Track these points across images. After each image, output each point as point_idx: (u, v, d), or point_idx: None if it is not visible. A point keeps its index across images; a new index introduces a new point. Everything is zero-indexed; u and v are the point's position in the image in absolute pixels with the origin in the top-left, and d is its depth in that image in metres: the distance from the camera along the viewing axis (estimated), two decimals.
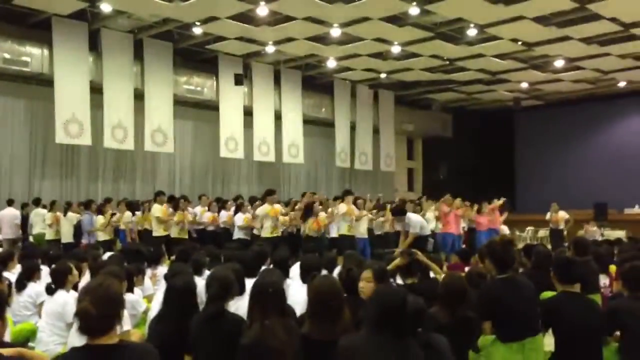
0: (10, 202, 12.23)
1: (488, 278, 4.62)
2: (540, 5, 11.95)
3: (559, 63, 16.01)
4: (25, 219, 12.38)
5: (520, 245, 8.46)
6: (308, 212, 11.41)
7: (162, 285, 5.38)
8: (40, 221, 11.93)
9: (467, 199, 14.35)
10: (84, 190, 14.26)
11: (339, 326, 3.40)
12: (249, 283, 4.22)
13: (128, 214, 12.11)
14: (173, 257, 7.61)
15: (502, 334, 4.05)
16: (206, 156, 16.39)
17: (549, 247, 10.77)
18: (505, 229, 14.42)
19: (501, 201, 14.13)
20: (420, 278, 5.48)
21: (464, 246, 12.46)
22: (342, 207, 11.25)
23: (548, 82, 18.32)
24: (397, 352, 3.02)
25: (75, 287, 5.15)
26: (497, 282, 4.26)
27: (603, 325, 4.16)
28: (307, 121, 17.55)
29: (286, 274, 5.57)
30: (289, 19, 12.72)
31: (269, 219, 11.08)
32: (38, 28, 13.01)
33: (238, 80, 15.16)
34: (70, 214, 11.91)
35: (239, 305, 4.17)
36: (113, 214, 11.53)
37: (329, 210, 11.78)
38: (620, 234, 14.11)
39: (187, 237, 11.41)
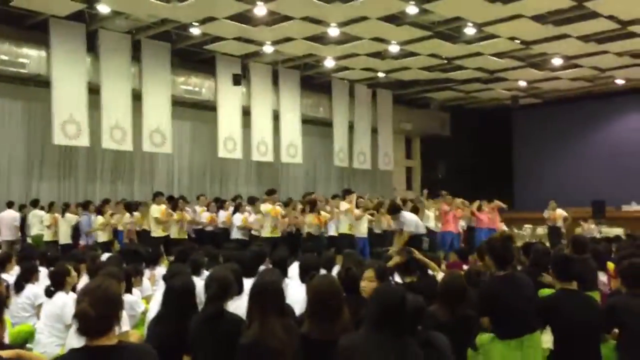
0: (9, 204, 12.21)
1: (488, 275, 4.62)
2: (537, 3, 11.96)
3: (557, 61, 16.02)
4: (23, 221, 12.36)
5: (519, 244, 8.46)
6: (312, 207, 11.49)
7: (161, 286, 5.39)
8: (38, 222, 11.91)
9: (466, 197, 14.36)
10: (82, 192, 14.24)
11: (338, 325, 3.41)
12: (248, 283, 4.22)
13: (126, 214, 12.10)
14: (172, 258, 7.61)
15: (501, 331, 4.06)
16: (204, 156, 16.37)
17: (548, 245, 10.79)
18: (503, 227, 14.41)
19: (500, 204, 14.16)
20: (419, 276, 5.49)
21: (462, 245, 12.48)
22: (344, 205, 11.25)
23: (546, 80, 18.33)
24: (396, 350, 3.02)
25: (74, 289, 5.15)
26: (496, 279, 4.27)
27: (601, 323, 4.17)
28: (305, 121, 17.54)
29: (285, 274, 5.57)
30: (286, 18, 12.71)
31: (269, 218, 11.12)
32: (36, 29, 12.99)
33: (236, 81, 15.16)
34: (68, 215, 11.90)
35: (238, 305, 4.17)
36: (112, 215, 11.53)
37: (330, 206, 11.78)
38: (618, 231, 14.14)
39: (186, 237, 11.40)
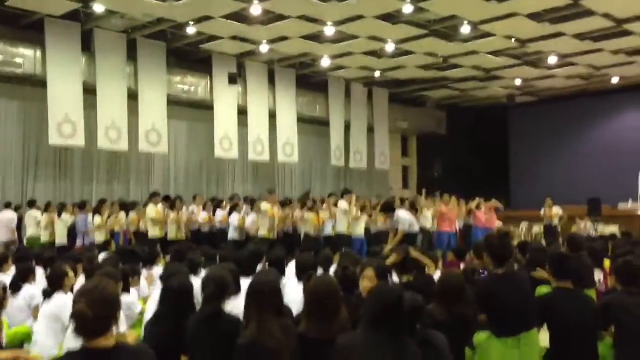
0: (7, 205, 12.18)
1: (487, 273, 4.63)
2: (533, 2, 11.98)
3: (553, 59, 16.04)
4: (19, 222, 12.33)
5: (515, 242, 8.48)
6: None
7: (158, 286, 5.38)
8: (34, 223, 11.88)
9: (462, 195, 14.38)
10: (78, 192, 14.19)
11: (336, 325, 3.41)
12: (245, 283, 4.22)
13: (122, 214, 12.08)
14: (168, 258, 7.61)
15: (498, 329, 4.06)
16: (201, 156, 16.35)
17: (544, 243, 10.82)
18: (500, 226, 14.45)
19: (498, 204, 14.19)
20: (416, 275, 5.49)
21: (459, 244, 12.50)
22: (343, 204, 11.25)
23: (542, 78, 18.35)
24: (394, 350, 3.03)
25: (72, 289, 5.13)
26: (493, 277, 4.27)
27: (598, 321, 4.18)
28: (301, 120, 17.52)
29: (282, 274, 5.57)
30: (282, 17, 12.69)
31: (267, 218, 11.15)
32: (31, 29, 12.94)
33: (232, 80, 15.13)
34: (64, 215, 11.87)
35: (235, 305, 4.16)
36: (109, 216, 11.54)
37: (327, 205, 11.78)
38: (614, 229, 14.17)
39: (184, 238, 11.39)
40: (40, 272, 6.30)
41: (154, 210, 11.32)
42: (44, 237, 11.62)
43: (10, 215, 12.01)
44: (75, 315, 2.49)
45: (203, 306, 3.87)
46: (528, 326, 4.09)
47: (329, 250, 7.53)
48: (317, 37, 14.08)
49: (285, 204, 12.63)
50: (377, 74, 17.49)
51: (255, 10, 11.97)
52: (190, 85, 15.43)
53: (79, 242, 11.94)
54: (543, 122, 21.62)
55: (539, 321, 4.19)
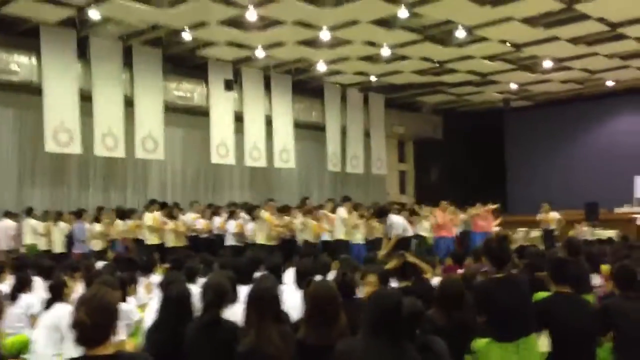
0: (7, 214, 12.15)
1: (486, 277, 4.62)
2: (527, 6, 12.01)
3: (548, 64, 16.08)
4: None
5: (513, 247, 8.49)
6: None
7: (156, 294, 5.37)
8: (32, 231, 11.85)
9: (459, 200, 14.38)
10: (74, 199, 14.13)
11: (335, 331, 3.41)
12: (243, 290, 4.21)
13: (119, 222, 12.06)
14: (167, 265, 7.59)
15: (497, 333, 4.05)
16: (197, 162, 16.32)
17: (542, 248, 10.82)
18: (498, 230, 14.46)
19: (495, 206, 14.21)
20: (414, 281, 5.49)
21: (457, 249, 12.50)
22: (342, 212, 11.22)
23: (537, 82, 18.40)
24: (393, 355, 3.03)
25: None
26: (492, 281, 4.26)
27: (596, 326, 4.17)
28: (298, 125, 17.52)
29: (280, 280, 5.56)
30: (278, 23, 12.71)
31: (265, 225, 11.17)
32: (26, 36, 12.91)
33: (228, 86, 15.13)
34: (61, 223, 11.85)
35: (233, 312, 4.16)
36: (108, 224, 11.56)
37: (325, 213, 11.77)
38: (611, 233, 14.18)
39: (182, 245, 11.38)
40: (38, 281, 6.27)
41: (151, 217, 11.31)
42: (42, 245, 11.60)
43: (10, 224, 11.99)
44: (75, 324, 2.49)
45: (202, 313, 3.87)
46: (527, 331, 4.09)
47: (327, 256, 7.52)
48: (312, 43, 14.09)
49: (282, 209, 12.63)
50: (373, 78, 17.51)
51: (251, 15, 11.98)
52: (186, 91, 15.42)
53: (76, 250, 11.89)
54: (539, 126, 21.65)
55: (538, 326, 4.18)
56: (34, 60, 12.78)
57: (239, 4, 11.62)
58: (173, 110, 15.25)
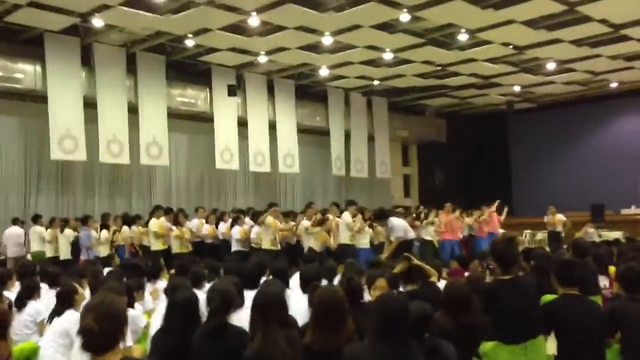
0: (14, 221, 12.19)
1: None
2: (529, 9, 12.01)
3: (551, 65, 16.09)
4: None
5: (520, 249, 8.46)
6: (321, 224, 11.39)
7: (163, 300, 5.37)
8: (38, 239, 11.88)
9: (464, 203, 14.36)
10: (80, 206, 14.18)
11: (342, 336, 3.41)
12: (249, 295, 4.21)
13: (125, 228, 12.09)
14: (173, 271, 7.60)
15: (504, 336, 4.04)
16: (202, 168, 16.35)
17: (548, 250, 10.79)
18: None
19: (495, 204, 14.18)
20: (421, 284, 5.47)
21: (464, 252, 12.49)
22: (347, 217, 11.20)
23: (540, 84, 18.40)
24: (401, 359, 3.02)
25: None
26: (499, 282, 4.24)
27: (604, 327, 4.16)
28: (301, 130, 17.55)
29: (286, 285, 5.56)
30: (280, 28, 12.75)
31: (270, 231, 11.17)
32: (30, 44, 12.99)
33: (231, 91, 15.16)
34: (67, 230, 11.87)
35: (239, 317, 4.16)
36: (115, 232, 11.58)
37: (331, 218, 11.74)
38: (618, 234, 14.13)
39: (188, 250, 11.38)
40: (45, 288, 6.28)
41: (156, 223, 11.32)
42: (49, 252, 11.63)
43: (18, 231, 12.05)
44: (83, 331, 2.50)
45: (208, 319, 3.87)
46: (534, 332, 4.07)
47: (333, 261, 7.50)
48: (315, 48, 14.14)
49: (287, 214, 12.62)
50: (376, 83, 17.54)
51: (253, 21, 12.03)
52: (190, 97, 15.47)
53: (83, 257, 11.90)
54: (542, 128, 21.63)
55: (545, 328, 4.17)
56: (38, 68, 12.85)
57: (241, 10, 11.67)
58: (177, 117, 15.30)
